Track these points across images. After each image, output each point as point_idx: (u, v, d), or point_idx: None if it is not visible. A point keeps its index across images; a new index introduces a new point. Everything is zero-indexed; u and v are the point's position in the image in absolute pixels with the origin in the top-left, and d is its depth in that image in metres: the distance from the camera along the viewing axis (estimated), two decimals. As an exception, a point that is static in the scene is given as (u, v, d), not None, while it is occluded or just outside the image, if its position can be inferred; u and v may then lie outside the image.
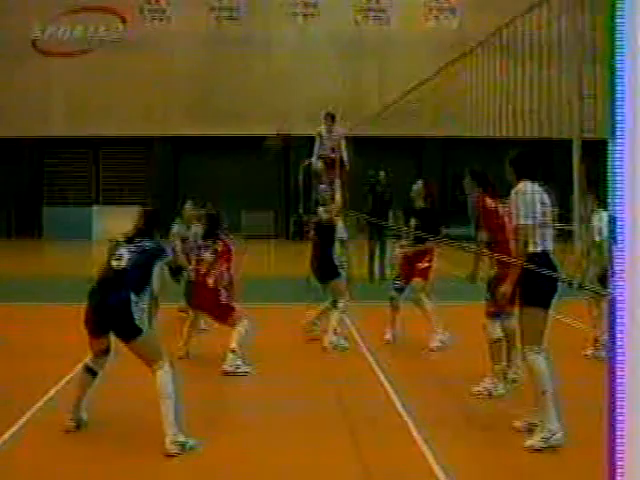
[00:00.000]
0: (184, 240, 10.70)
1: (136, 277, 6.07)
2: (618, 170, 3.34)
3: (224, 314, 8.49)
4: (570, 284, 5.43)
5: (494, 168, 6.53)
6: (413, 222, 9.76)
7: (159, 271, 6.21)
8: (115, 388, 7.00)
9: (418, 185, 9.90)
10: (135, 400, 6.95)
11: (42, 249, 26.76)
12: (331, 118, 14.61)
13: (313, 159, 14.31)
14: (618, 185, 3.35)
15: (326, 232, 9.96)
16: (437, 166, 28.42)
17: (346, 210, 13.58)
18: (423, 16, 29.51)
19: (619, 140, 3.33)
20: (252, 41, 28.66)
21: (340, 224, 10.76)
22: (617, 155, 3.34)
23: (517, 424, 6.28)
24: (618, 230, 3.36)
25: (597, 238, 8.60)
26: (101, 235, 23.72)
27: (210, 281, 8.54)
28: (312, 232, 10.46)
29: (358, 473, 5.50)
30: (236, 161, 28.84)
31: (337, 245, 10.36)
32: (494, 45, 6.61)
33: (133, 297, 5.98)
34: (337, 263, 9.97)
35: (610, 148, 3.35)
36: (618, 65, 3.31)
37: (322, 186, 10.84)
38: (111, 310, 5.97)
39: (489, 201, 7.47)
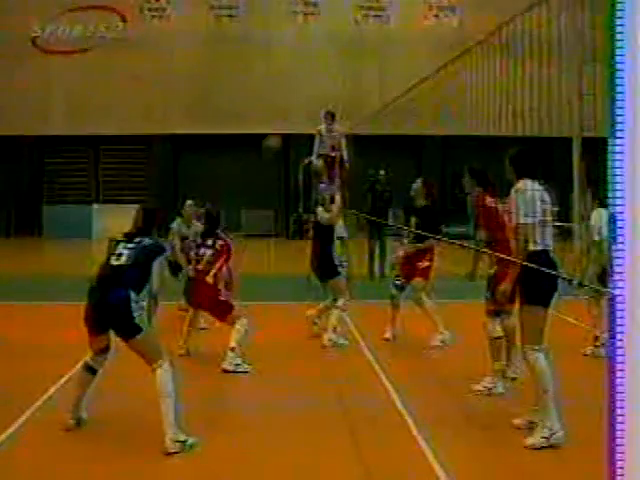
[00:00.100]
0: (184, 239, 10.72)
1: (135, 275, 6.07)
2: (618, 169, 3.34)
3: (223, 312, 8.51)
4: (569, 282, 5.42)
5: (494, 167, 6.53)
6: (414, 221, 9.76)
7: (158, 269, 6.21)
8: (115, 387, 7.00)
9: (417, 184, 9.89)
10: (135, 399, 6.95)
11: (42, 248, 26.75)
12: (331, 117, 14.61)
13: (313, 158, 14.30)
14: (618, 184, 3.34)
15: (325, 231, 9.96)
16: (437, 165, 28.44)
17: (346, 209, 13.59)
18: (423, 15, 29.50)
19: (619, 139, 3.32)
20: (252, 40, 28.66)
21: (340, 223, 10.76)
22: (617, 154, 3.33)
23: (517, 422, 6.29)
24: (618, 229, 3.35)
25: (596, 237, 8.60)
26: (101, 234, 23.73)
27: (209, 279, 8.57)
28: (311, 231, 10.45)
29: (358, 472, 5.49)
30: (236, 160, 28.85)
31: (337, 244, 10.36)
32: (494, 44, 6.61)
33: (133, 295, 5.98)
34: (337, 262, 9.98)
35: (610, 147, 3.35)
36: (618, 64, 3.31)
37: (322, 185, 10.84)
38: (111, 308, 5.97)
39: (489, 199, 7.47)
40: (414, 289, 9.74)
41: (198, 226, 10.18)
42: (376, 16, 29.56)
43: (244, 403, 7.36)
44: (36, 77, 28.35)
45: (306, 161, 14.26)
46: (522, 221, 5.87)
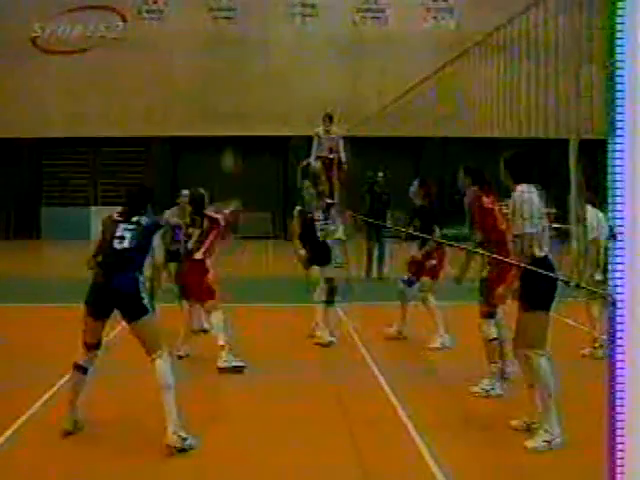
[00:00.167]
0: (177, 227, 10.63)
1: (139, 258, 6.11)
2: (618, 170, 3.35)
3: (205, 295, 8.71)
4: (567, 284, 5.44)
5: (493, 168, 6.52)
6: (418, 223, 9.77)
7: (158, 240, 6.27)
8: (114, 388, 7.01)
9: (414, 185, 9.90)
10: (135, 400, 6.96)
11: (40, 250, 26.73)
12: (329, 119, 14.63)
13: (311, 160, 14.31)
14: (618, 185, 3.35)
15: (312, 228, 10.10)
16: (436, 166, 28.42)
17: (344, 210, 13.59)
18: (421, 17, 29.49)
19: (619, 137, 3.33)
20: (250, 42, 28.65)
21: (339, 224, 10.77)
22: (617, 155, 3.34)
23: (515, 423, 6.30)
24: (618, 230, 3.36)
25: (590, 236, 8.62)
26: (100, 236, 23.65)
27: (199, 255, 8.81)
28: (298, 230, 10.40)
29: (357, 473, 5.50)
30: (235, 161, 28.84)
31: (335, 245, 10.41)
32: (491, 45, 6.62)
33: (140, 277, 6.05)
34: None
35: (610, 147, 3.36)
36: (618, 64, 3.32)
37: (311, 191, 10.78)
38: (117, 292, 5.98)
39: (485, 200, 7.46)
40: (422, 287, 9.77)
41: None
42: (374, 18, 29.56)
43: (244, 404, 7.36)
44: (36, 77, 28.31)
45: (304, 163, 14.25)
46: (529, 230, 5.85)
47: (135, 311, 5.98)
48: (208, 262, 8.91)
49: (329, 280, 10.10)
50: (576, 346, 9.01)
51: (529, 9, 5.54)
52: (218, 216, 9.10)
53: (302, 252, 10.16)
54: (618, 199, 3.35)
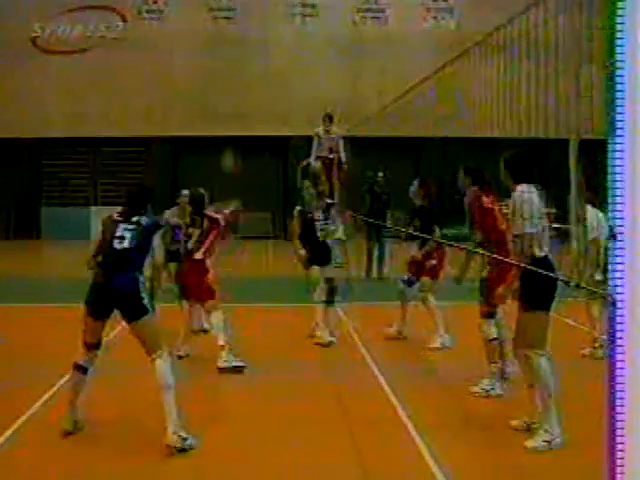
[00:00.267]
0: (177, 227, 10.63)
1: (139, 258, 6.11)
2: (618, 170, 3.35)
3: (205, 294, 8.72)
4: (567, 284, 5.45)
5: (493, 168, 6.51)
6: (418, 223, 9.78)
7: (158, 240, 6.26)
8: (115, 388, 7.01)
9: (414, 186, 9.91)
10: (135, 400, 6.96)
11: (40, 250, 26.73)
12: (329, 119, 14.64)
13: (311, 160, 14.31)
14: (618, 185, 3.35)
15: (312, 228, 10.12)
16: (436, 166, 28.42)
17: (344, 210, 13.59)
18: (421, 17, 29.49)
19: (619, 137, 3.33)
20: (250, 42, 28.65)
21: (339, 224, 10.78)
22: (617, 155, 3.34)
23: (515, 423, 6.30)
24: (618, 230, 3.36)
25: (590, 236, 8.63)
26: (100, 236, 23.64)
27: (199, 255, 8.81)
28: (298, 230, 10.41)
29: (357, 473, 5.50)
30: (235, 161, 28.84)
31: (335, 245, 10.42)
32: (491, 45, 6.62)
33: (140, 277, 6.04)
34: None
35: (610, 148, 3.36)
36: (618, 64, 3.32)
37: (311, 191, 10.78)
38: (117, 292, 5.97)
39: (485, 200, 7.46)
40: (422, 288, 9.78)
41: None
42: (374, 18, 29.56)
43: (243, 405, 7.36)
44: (36, 77, 28.30)
45: (304, 163, 14.26)
46: (529, 230, 5.85)
47: (135, 311, 5.98)
48: (208, 262, 8.92)
49: (329, 280, 10.11)
50: (576, 346, 9.00)
51: (529, 9, 5.55)
52: (218, 216, 9.11)
53: (302, 252, 10.16)
54: (618, 199, 3.35)
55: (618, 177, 3.34)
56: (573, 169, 6.31)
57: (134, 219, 6.19)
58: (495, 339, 7.44)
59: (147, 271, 6.24)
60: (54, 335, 9.81)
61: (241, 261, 20.02)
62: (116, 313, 6.11)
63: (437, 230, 9.66)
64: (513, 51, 7.34)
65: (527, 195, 5.92)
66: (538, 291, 5.88)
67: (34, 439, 6.08)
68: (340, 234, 11.42)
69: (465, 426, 6.57)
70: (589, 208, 8.57)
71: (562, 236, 8.96)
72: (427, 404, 7.11)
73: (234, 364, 8.37)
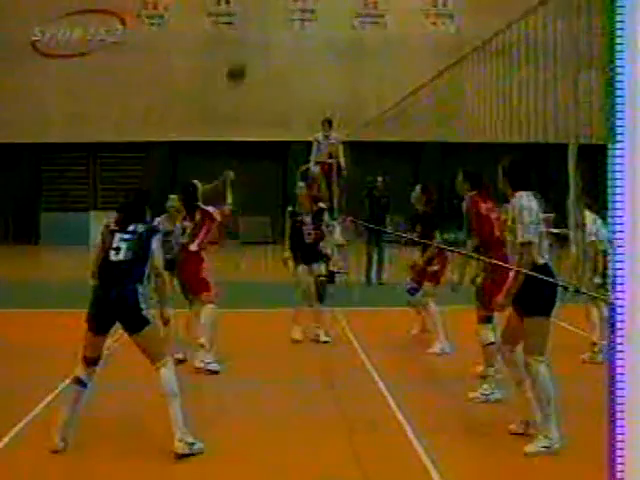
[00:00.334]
0: (167, 233, 10.58)
1: (137, 269, 5.99)
2: (617, 175, 3.35)
3: (200, 288, 8.77)
4: (566, 289, 5.46)
5: (493, 173, 6.51)
6: (419, 228, 9.80)
7: (156, 244, 6.13)
8: (116, 390, 7.01)
9: (416, 191, 9.93)
10: (136, 403, 6.98)
11: (39, 255, 26.72)
12: (328, 124, 14.67)
13: (311, 165, 14.34)
14: (618, 189, 3.35)
15: (299, 231, 10.30)
16: (435, 171, 28.43)
17: (343, 215, 13.60)
18: (420, 21, 29.53)
19: (619, 142, 3.33)
20: (249, 46, 28.65)
21: (337, 229, 10.81)
22: (616, 160, 3.34)
23: (512, 427, 6.30)
24: (618, 235, 3.36)
25: (588, 239, 8.64)
26: (100, 245, 23.62)
27: (193, 247, 8.85)
28: (288, 231, 10.55)
29: (356, 476, 5.50)
30: (234, 166, 28.81)
31: (335, 249, 10.47)
32: (490, 50, 6.63)
33: (138, 288, 5.93)
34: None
35: (609, 153, 3.36)
36: (617, 70, 3.32)
37: (304, 192, 10.84)
38: (115, 305, 5.90)
39: (483, 206, 7.46)
40: (424, 293, 9.79)
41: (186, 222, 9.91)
42: (373, 22, 29.59)
43: (244, 405, 7.35)
44: (36, 81, 28.31)
45: (303, 168, 14.28)
46: (529, 239, 5.85)
47: (136, 323, 5.89)
48: (203, 253, 8.94)
49: (317, 277, 10.22)
50: (576, 351, 9.00)
51: (528, 14, 5.55)
52: (211, 209, 9.09)
53: (287, 254, 10.32)
54: (618, 204, 3.35)
55: (618, 182, 3.34)
56: (572, 174, 6.31)
57: (130, 228, 6.08)
58: (492, 343, 7.43)
59: (152, 282, 6.19)
60: (54, 339, 9.80)
61: (240, 266, 20.01)
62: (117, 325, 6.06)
63: (438, 236, 9.68)
64: (512, 56, 7.36)
65: (526, 202, 5.92)
66: (539, 298, 5.88)
67: (36, 441, 6.06)
68: (337, 237, 11.47)
69: (464, 431, 6.57)
70: (588, 213, 8.58)
71: (561, 241, 8.96)
72: (426, 409, 7.10)
73: (209, 367, 8.41)
